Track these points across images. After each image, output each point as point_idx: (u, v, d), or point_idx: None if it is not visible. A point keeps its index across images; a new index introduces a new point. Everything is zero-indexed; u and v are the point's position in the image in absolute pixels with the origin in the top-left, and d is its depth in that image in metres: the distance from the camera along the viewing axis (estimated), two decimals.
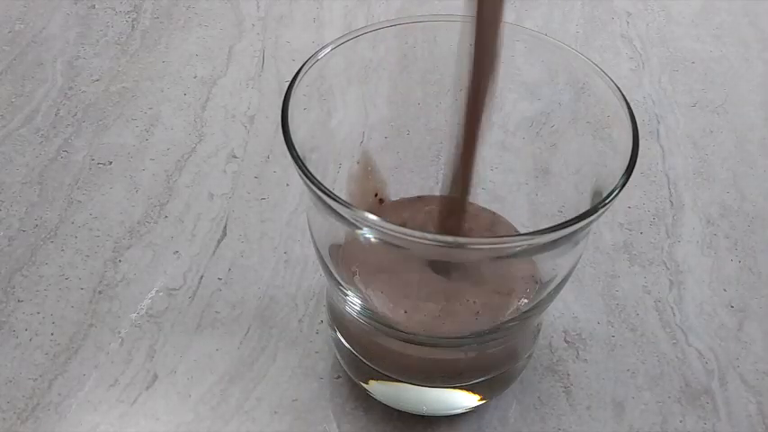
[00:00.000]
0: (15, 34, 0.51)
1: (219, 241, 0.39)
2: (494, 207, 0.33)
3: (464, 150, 0.28)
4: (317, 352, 0.35)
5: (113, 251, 0.38)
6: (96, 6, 0.53)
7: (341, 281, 0.29)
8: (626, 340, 0.36)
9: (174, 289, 0.37)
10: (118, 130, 0.45)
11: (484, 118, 0.27)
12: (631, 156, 0.26)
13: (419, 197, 0.33)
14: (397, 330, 0.28)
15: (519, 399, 0.34)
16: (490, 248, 0.26)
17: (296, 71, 0.28)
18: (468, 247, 0.25)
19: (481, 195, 0.33)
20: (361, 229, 0.25)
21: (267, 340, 0.35)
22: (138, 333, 0.35)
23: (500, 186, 0.33)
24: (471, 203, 0.32)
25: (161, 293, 0.37)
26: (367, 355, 0.31)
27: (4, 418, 0.32)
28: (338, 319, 0.32)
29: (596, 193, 0.28)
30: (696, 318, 0.37)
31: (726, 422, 0.34)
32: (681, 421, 0.33)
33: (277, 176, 0.42)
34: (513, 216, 0.33)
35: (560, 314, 0.37)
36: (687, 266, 0.39)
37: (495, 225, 0.33)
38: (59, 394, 0.33)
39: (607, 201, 0.25)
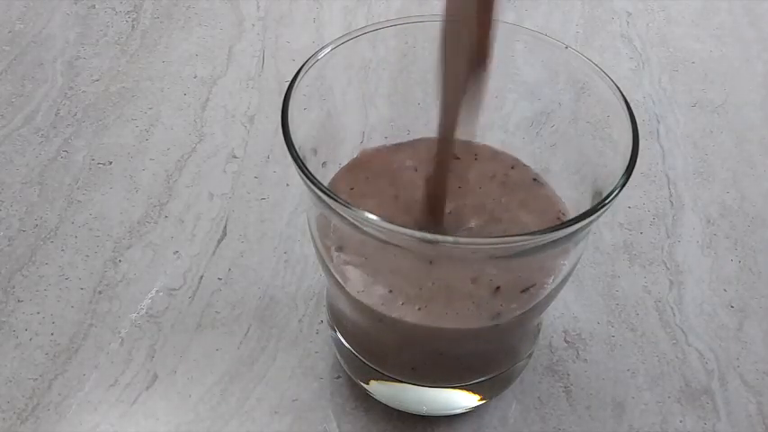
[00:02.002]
0: (15, 34, 0.51)
1: (219, 241, 0.39)
2: None
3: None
4: (316, 352, 0.35)
5: (113, 251, 0.38)
6: (96, 6, 0.53)
7: (340, 279, 0.29)
8: (626, 340, 0.36)
9: (174, 289, 0.37)
10: (118, 130, 0.45)
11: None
12: (631, 156, 0.26)
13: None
14: (399, 323, 0.28)
15: (519, 399, 0.34)
16: (489, 248, 0.26)
17: (296, 71, 0.28)
18: (467, 246, 0.25)
19: None
20: (360, 229, 0.25)
21: (267, 340, 0.35)
22: (138, 333, 0.35)
23: None
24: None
25: (161, 293, 0.37)
26: (367, 355, 0.32)
27: (3, 419, 0.32)
28: (338, 319, 0.32)
29: (596, 193, 0.28)
30: (696, 318, 0.37)
31: (726, 422, 0.34)
32: (681, 421, 0.33)
33: (277, 176, 0.42)
34: None
35: (560, 314, 0.37)
36: (687, 266, 0.39)
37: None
38: (59, 394, 0.33)
39: (607, 201, 0.25)
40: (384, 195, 0.30)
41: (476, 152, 0.32)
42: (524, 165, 0.32)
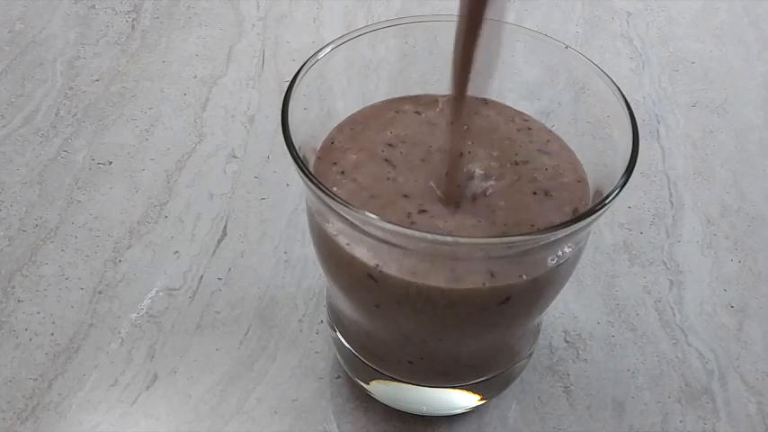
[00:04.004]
0: (15, 34, 0.51)
1: (219, 241, 0.39)
2: None
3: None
4: (317, 352, 0.35)
5: (113, 251, 0.38)
6: (96, 6, 0.53)
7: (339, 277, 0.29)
8: (626, 340, 0.36)
9: (174, 289, 0.37)
10: (118, 130, 0.45)
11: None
12: (631, 156, 0.26)
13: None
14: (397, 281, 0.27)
15: (519, 399, 0.34)
16: (489, 247, 0.25)
17: (296, 71, 0.28)
18: (468, 246, 0.25)
19: None
20: (361, 228, 0.25)
21: (267, 340, 0.35)
22: (138, 333, 0.35)
23: None
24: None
25: (161, 293, 0.37)
26: (367, 355, 0.31)
27: (3, 419, 0.32)
28: (338, 319, 0.32)
29: (596, 193, 0.28)
30: (696, 318, 0.37)
31: (726, 422, 0.34)
32: (681, 421, 0.33)
33: (277, 176, 0.42)
34: None
35: (560, 314, 0.37)
36: (687, 266, 0.39)
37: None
38: (59, 394, 0.33)
39: (607, 201, 0.25)
40: (372, 147, 0.30)
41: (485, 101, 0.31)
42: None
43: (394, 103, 0.32)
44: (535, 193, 0.29)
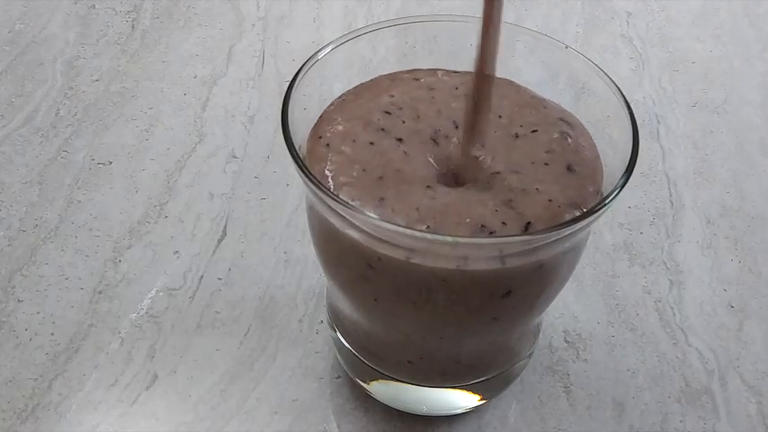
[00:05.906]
0: (15, 34, 0.51)
1: (219, 241, 0.39)
2: None
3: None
4: (317, 352, 0.35)
5: (113, 251, 0.38)
6: (96, 6, 0.53)
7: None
8: (626, 340, 0.36)
9: (174, 289, 0.37)
10: (118, 130, 0.45)
11: None
12: (631, 156, 0.26)
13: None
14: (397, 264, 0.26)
15: (519, 399, 0.34)
16: (489, 247, 0.25)
17: (296, 71, 0.28)
18: (467, 245, 0.25)
19: None
20: (361, 229, 0.25)
21: (267, 340, 0.35)
22: (138, 333, 0.35)
23: None
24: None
25: (161, 293, 0.37)
26: (367, 355, 0.32)
27: (3, 419, 0.32)
28: (338, 319, 0.32)
29: (596, 193, 0.28)
30: (696, 318, 0.37)
31: (726, 422, 0.34)
32: (681, 421, 0.33)
33: (277, 176, 0.42)
34: None
35: (560, 314, 0.37)
36: (687, 266, 0.39)
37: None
38: (59, 394, 0.33)
39: (607, 201, 0.25)
40: (366, 116, 0.29)
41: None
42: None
43: (389, 74, 0.31)
44: (547, 164, 0.27)
